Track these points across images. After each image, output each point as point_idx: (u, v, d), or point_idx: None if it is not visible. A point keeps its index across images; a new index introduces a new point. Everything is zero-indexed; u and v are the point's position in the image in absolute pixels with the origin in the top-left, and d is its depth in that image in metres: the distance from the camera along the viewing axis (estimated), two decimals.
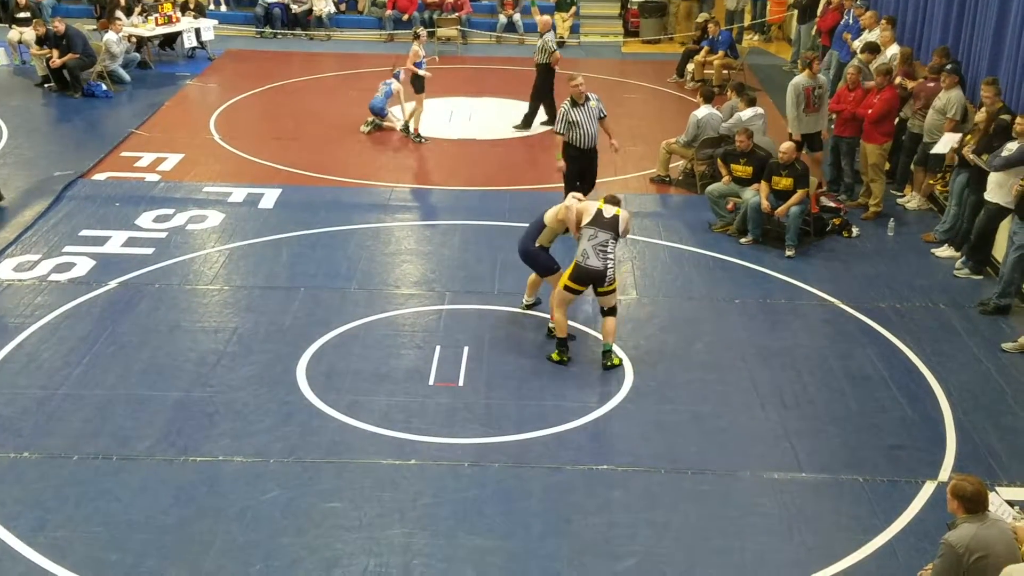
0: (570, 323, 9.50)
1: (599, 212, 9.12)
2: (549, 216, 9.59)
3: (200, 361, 9.22)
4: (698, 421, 8.52)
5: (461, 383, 8.96)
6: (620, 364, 9.23)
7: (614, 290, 9.14)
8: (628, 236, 9.80)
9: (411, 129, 15.63)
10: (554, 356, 9.26)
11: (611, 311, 9.22)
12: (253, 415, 8.43)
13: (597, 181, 12.50)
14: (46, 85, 17.79)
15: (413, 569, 6.79)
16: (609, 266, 9.01)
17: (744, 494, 7.63)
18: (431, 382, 8.96)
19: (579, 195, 9.77)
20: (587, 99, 11.91)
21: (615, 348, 9.32)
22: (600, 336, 9.43)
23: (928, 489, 7.69)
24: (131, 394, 8.67)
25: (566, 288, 9.13)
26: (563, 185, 12.11)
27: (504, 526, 7.21)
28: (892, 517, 7.37)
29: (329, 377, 8.99)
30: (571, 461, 7.92)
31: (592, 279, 9.06)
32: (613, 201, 9.28)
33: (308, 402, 8.62)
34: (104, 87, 17.52)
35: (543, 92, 16.09)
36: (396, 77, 15.78)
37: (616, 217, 9.12)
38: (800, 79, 13.45)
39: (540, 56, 15.81)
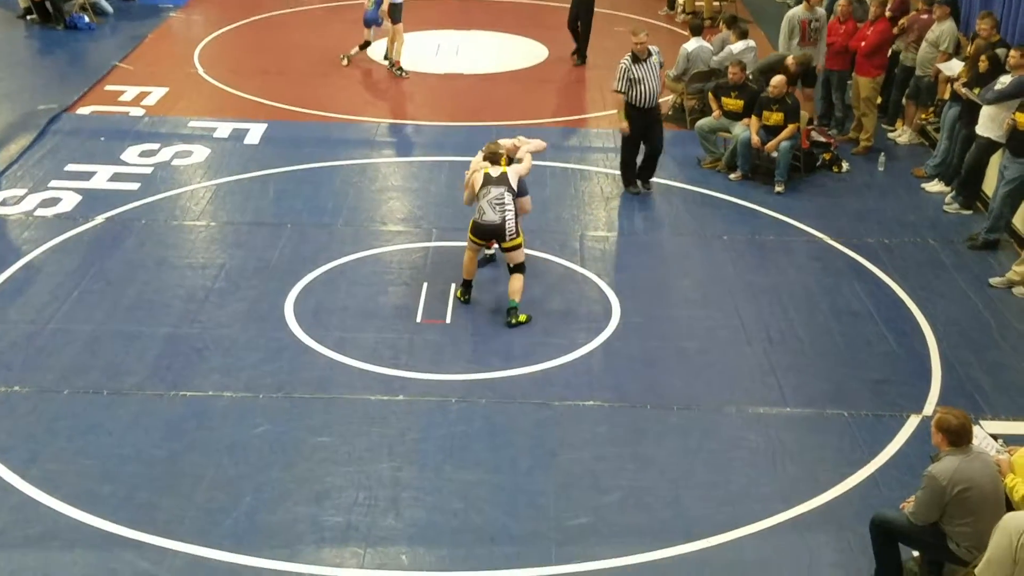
0: (557, 260, 9.47)
1: (487, 176, 8.98)
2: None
3: (188, 297, 9.21)
4: (684, 357, 8.56)
5: (448, 320, 8.97)
6: (527, 321, 8.92)
7: (519, 245, 8.93)
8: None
9: (392, 62, 15.43)
10: (458, 293, 9.21)
11: (518, 268, 8.98)
12: (242, 351, 8.44)
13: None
14: (28, 17, 17.49)
15: (401, 502, 6.86)
16: (507, 218, 8.83)
17: (729, 429, 7.70)
18: (419, 319, 8.97)
19: (502, 142, 9.48)
20: (649, 54, 11.11)
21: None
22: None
23: (912, 423, 7.77)
24: (120, 329, 8.67)
25: (470, 240, 9.06)
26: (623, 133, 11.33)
27: (491, 460, 7.27)
28: (876, 450, 7.46)
29: (317, 314, 9.00)
30: (558, 397, 7.98)
31: (490, 232, 8.92)
32: (493, 159, 9.11)
33: (296, 338, 8.63)
34: (87, 19, 17.24)
35: (588, 22, 15.88)
36: None
37: (504, 174, 8.98)
38: (797, 11, 13.28)
39: None
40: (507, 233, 8.88)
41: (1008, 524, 5.41)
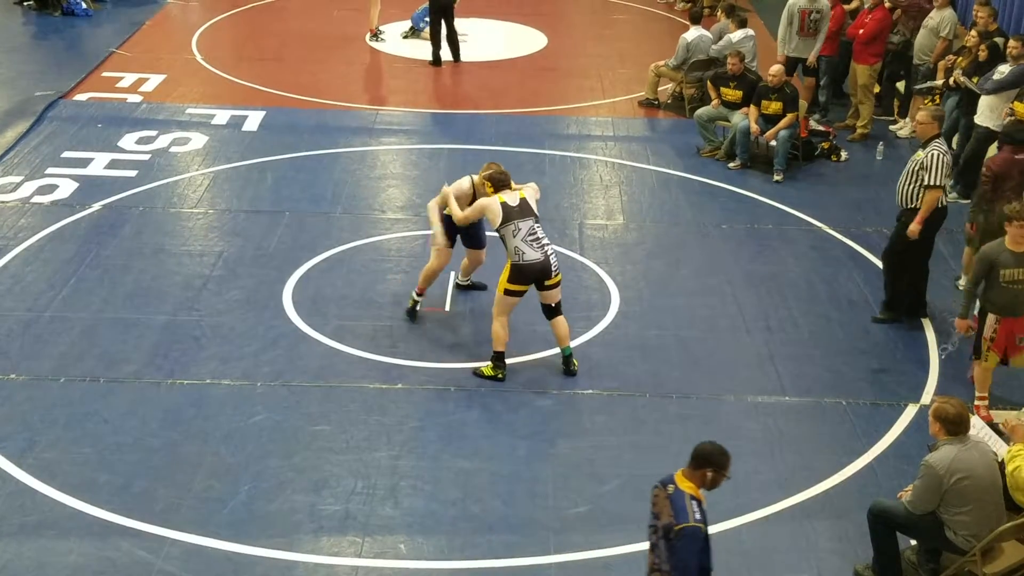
0: (556, 248, 9.43)
1: (505, 206, 7.82)
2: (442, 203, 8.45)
3: (186, 285, 9.19)
4: (683, 346, 8.55)
5: (448, 308, 8.96)
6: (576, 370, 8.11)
7: (560, 282, 7.97)
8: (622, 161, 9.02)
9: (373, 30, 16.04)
10: (485, 370, 7.99)
11: (557, 309, 7.99)
12: (240, 339, 8.43)
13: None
14: (25, 3, 17.41)
15: (400, 490, 6.85)
16: (550, 253, 7.82)
17: (728, 418, 7.69)
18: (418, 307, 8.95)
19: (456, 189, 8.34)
20: None
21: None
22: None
23: (910, 412, 7.77)
24: (117, 317, 8.65)
25: (507, 292, 7.87)
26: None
27: (490, 449, 7.27)
28: (874, 439, 7.46)
29: (315, 302, 8.98)
30: (556, 386, 7.97)
31: (535, 274, 7.79)
32: (503, 185, 7.95)
33: (294, 326, 8.61)
34: (84, 5, 17.14)
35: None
36: None
37: (524, 200, 7.91)
38: (798, 0, 13.24)
39: None
40: (553, 269, 7.86)
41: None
